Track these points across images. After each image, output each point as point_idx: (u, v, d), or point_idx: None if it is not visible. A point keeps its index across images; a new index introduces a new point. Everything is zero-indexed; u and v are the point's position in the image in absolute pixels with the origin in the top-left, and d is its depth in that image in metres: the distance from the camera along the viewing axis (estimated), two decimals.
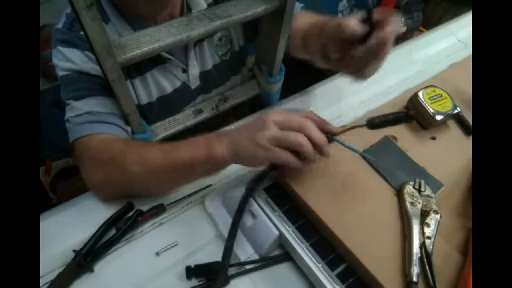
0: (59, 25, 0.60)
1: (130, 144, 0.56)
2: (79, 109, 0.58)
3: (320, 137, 0.45)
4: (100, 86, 0.59)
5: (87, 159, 0.57)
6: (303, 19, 0.72)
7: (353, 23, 0.47)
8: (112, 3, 0.61)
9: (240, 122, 0.73)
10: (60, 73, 0.59)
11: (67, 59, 0.58)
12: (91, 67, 0.59)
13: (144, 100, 0.69)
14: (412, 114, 0.52)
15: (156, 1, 0.60)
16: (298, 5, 0.75)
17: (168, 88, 0.71)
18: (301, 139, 0.44)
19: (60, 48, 0.58)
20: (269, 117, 0.46)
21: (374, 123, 0.51)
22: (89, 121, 0.57)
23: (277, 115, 0.46)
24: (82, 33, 0.58)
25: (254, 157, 0.46)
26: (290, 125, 0.45)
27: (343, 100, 0.77)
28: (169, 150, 0.52)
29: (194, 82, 0.74)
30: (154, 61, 0.66)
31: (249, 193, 0.51)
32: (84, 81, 0.59)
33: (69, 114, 0.59)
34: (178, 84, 0.72)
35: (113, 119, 0.59)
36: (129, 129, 0.62)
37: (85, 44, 0.58)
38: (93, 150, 0.56)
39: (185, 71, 0.71)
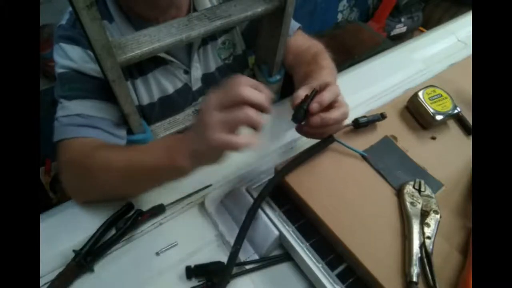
0: (63, 22, 0.60)
1: (101, 147, 0.55)
2: (69, 109, 0.57)
3: (261, 98, 0.42)
4: (97, 88, 0.59)
5: (64, 163, 0.56)
6: (298, 41, 0.75)
7: (299, 94, 0.50)
8: (117, 3, 0.61)
9: None
10: (59, 70, 0.59)
11: (67, 57, 0.58)
12: (91, 67, 0.58)
13: (145, 100, 0.69)
14: (385, 114, 0.61)
15: (154, 5, 0.59)
16: (295, 24, 0.76)
17: (170, 88, 0.70)
18: (247, 113, 0.40)
19: (62, 44, 0.58)
20: (207, 105, 0.42)
21: (357, 123, 0.60)
22: (76, 123, 0.57)
23: (213, 98, 0.42)
24: None
25: (213, 156, 0.44)
26: (229, 100, 0.41)
27: None
28: (131, 157, 0.51)
29: (196, 83, 0.74)
30: (156, 62, 0.66)
31: (260, 201, 0.50)
32: (81, 82, 0.58)
33: (59, 113, 0.58)
34: (179, 85, 0.72)
35: (102, 124, 0.59)
36: (122, 133, 0.62)
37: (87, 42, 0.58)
38: (71, 154, 0.55)
39: (187, 72, 0.71)
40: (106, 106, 0.59)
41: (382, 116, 0.61)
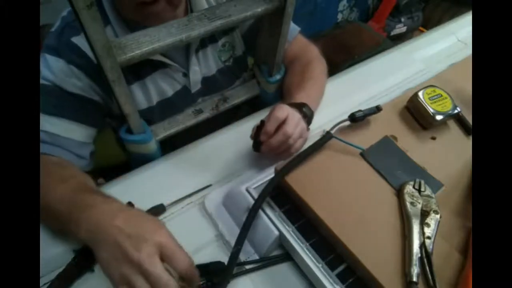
0: (53, 29, 0.59)
1: (48, 167, 0.52)
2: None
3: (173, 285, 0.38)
4: (72, 107, 0.59)
5: None
6: (295, 47, 0.77)
7: (253, 128, 0.58)
8: (114, 7, 0.60)
9: (240, 122, 0.73)
10: (40, 80, 0.57)
11: (49, 68, 0.57)
12: (72, 83, 0.58)
13: (144, 105, 0.69)
14: (380, 107, 0.62)
15: (149, 16, 0.58)
16: (295, 29, 0.77)
17: (169, 91, 0.70)
18: None
19: (47, 55, 0.57)
20: (139, 256, 0.37)
21: (354, 117, 0.60)
22: (43, 141, 0.56)
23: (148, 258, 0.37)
24: (73, 38, 0.57)
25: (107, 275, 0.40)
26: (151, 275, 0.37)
27: (343, 100, 0.77)
28: (50, 190, 0.47)
29: (195, 86, 0.73)
30: (154, 65, 0.66)
31: (261, 201, 0.50)
32: (57, 97, 0.58)
33: None
34: (178, 87, 0.71)
35: (66, 143, 0.58)
36: (85, 153, 0.62)
37: (73, 55, 0.57)
38: None
39: (185, 75, 0.71)
40: (75, 126, 0.59)
41: (378, 109, 0.61)
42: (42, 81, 0.57)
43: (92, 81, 0.60)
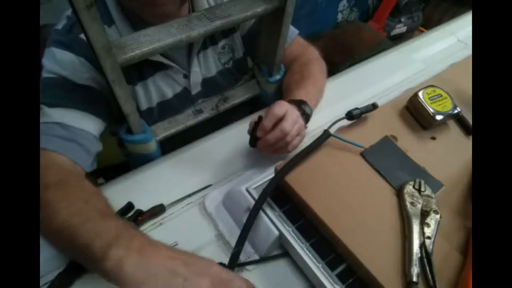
0: (59, 27, 0.59)
1: (59, 173, 0.48)
2: (48, 116, 0.53)
3: None
4: (81, 99, 0.57)
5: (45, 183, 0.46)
6: (293, 49, 0.77)
7: (250, 123, 0.59)
8: (120, 7, 0.60)
9: (240, 122, 0.73)
10: (45, 74, 0.56)
11: (57, 62, 0.56)
12: (82, 75, 0.57)
13: (144, 105, 0.69)
14: (376, 104, 0.63)
15: (163, 16, 0.58)
16: (294, 31, 0.78)
17: (169, 93, 0.70)
18: None
19: (53, 49, 0.56)
20: None
21: (351, 114, 0.60)
22: (54, 134, 0.53)
23: None
24: (82, 35, 0.56)
25: None
26: None
27: (343, 100, 0.77)
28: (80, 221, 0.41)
29: (195, 88, 0.73)
30: (156, 66, 0.66)
31: (262, 202, 0.50)
32: (65, 90, 0.56)
33: None
34: (178, 89, 0.71)
35: (83, 138, 0.56)
36: (97, 149, 0.59)
37: (82, 49, 0.56)
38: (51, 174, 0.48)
39: (186, 76, 0.71)
40: (87, 118, 0.57)
41: (374, 106, 0.62)
42: (48, 75, 0.56)
43: (100, 76, 0.59)
